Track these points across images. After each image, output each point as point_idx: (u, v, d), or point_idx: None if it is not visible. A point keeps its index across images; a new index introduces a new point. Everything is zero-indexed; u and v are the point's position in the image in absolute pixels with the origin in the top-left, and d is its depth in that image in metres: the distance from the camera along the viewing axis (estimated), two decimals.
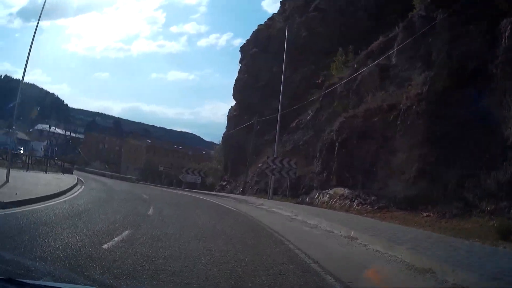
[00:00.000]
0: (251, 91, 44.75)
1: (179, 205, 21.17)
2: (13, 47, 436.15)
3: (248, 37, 53.06)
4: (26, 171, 34.07)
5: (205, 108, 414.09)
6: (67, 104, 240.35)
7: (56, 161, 51.41)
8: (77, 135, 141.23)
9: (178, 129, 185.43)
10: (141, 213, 15.21)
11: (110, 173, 58.61)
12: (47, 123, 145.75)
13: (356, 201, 20.84)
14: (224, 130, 50.49)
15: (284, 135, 34.80)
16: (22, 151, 74.95)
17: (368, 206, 20.06)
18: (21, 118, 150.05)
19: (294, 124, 34.55)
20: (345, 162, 23.07)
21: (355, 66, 28.70)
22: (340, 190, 22.49)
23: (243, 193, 37.42)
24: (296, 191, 28.56)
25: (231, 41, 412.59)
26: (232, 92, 47.83)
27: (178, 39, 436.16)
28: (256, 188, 36.23)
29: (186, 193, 37.35)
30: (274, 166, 28.90)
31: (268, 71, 44.00)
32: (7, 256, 6.08)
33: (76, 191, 21.69)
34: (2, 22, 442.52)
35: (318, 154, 26.73)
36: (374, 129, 21.83)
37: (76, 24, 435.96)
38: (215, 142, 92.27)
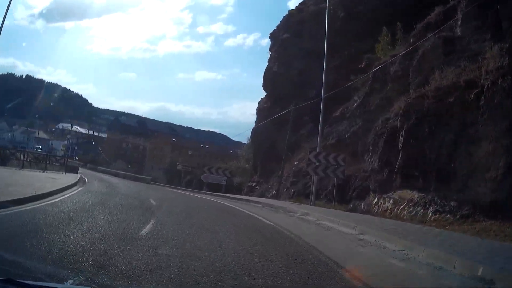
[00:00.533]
0: (282, 80, 39.85)
1: (192, 216, 15.11)
2: (36, 47, 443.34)
3: (278, 23, 48.11)
4: (21, 169, 30.23)
5: (233, 108, 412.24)
6: (91, 104, 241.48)
7: (70, 160, 48.42)
8: (100, 134, 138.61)
9: (206, 129, 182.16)
10: (131, 231, 10.06)
11: (124, 172, 53.06)
12: (69, 123, 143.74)
13: (431, 208, 15.66)
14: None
15: (326, 127, 29.53)
16: (40, 150, 72.46)
17: (448, 215, 14.98)
18: (36, 117, 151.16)
19: (338, 113, 28.89)
20: (413, 156, 17.72)
21: (412, 40, 23.63)
22: (408, 194, 17.07)
23: (276, 196, 31.85)
24: (343, 195, 23.22)
25: (258, 41, 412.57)
26: (261, 83, 43.24)
27: (205, 39, 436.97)
28: (292, 190, 30.42)
29: (207, 197, 31.54)
30: (318, 164, 23.30)
31: (301, 58, 39.20)
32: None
33: (64, 195, 16.88)
34: (23, 23, 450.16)
35: (370, 147, 21.65)
36: (450, 112, 16.67)
37: (100, 25, 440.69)
38: (243, 142, 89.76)
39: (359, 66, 30.43)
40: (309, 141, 32.72)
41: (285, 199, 28.58)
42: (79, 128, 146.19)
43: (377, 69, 25.52)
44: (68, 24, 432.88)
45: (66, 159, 38.81)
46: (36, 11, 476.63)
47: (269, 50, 46.25)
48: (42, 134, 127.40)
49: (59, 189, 17.28)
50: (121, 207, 14.65)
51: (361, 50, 32.77)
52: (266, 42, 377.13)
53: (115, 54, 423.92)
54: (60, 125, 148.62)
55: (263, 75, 43.44)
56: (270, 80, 42.13)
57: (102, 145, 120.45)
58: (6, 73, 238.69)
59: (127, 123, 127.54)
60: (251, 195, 35.58)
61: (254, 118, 46.18)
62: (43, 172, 31.16)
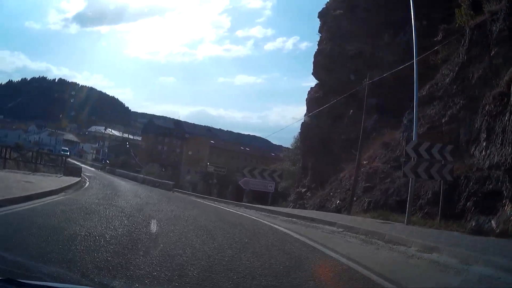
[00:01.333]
0: (337, 64, 33.15)
1: None
2: (71, 52, 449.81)
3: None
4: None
5: (273, 112, 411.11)
6: (128, 107, 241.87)
7: (97, 163, 43.61)
8: (135, 137, 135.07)
9: (246, 133, 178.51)
10: None
11: (143, 176, 47.72)
12: (103, 126, 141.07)
13: None
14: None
15: (407, 112, 22.30)
16: (67, 153, 68.74)
17: None
18: (67, 120, 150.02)
19: (424, 92, 21.50)
20: None
21: None
22: None
23: (345, 208, 22.61)
24: (450, 206, 15.20)
25: (297, 44, 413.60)
26: (312, 69, 36.29)
27: (244, 43, 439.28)
28: (366, 200, 21.48)
29: (252, 214, 20.50)
30: (417, 160, 15.32)
31: (359, 36, 32.61)
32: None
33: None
34: (57, 27, 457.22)
35: (483, 134, 14.86)
36: None
37: (137, 29, 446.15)
38: (284, 145, 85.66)
39: (434, 39, 23.60)
40: (382, 133, 25.90)
41: (359, 213, 20.54)
42: (113, 131, 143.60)
43: (472, 30, 18.61)
44: (104, 29, 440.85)
45: (65, 159, 33.10)
46: (69, 15, 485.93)
47: (319, 32, 39.62)
48: (71, 137, 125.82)
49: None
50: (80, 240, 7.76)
51: (434, 20, 25.97)
52: (305, 45, 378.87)
53: (153, 58, 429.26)
54: (93, 128, 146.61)
55: (312, 60, 36.82)
56: (321, 65, 35.25)
57: (136, 148, 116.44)
58: (38, 76, 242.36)
59: (162, 125, 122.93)
60: (302, 204, 28.75)
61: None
62: (32, 174, 25.72)
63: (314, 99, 33.92)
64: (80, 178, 26.71)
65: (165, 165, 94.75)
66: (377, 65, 27.76)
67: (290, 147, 53.53)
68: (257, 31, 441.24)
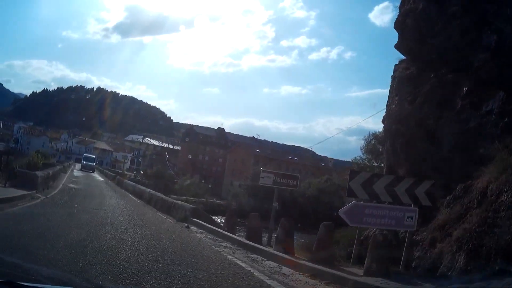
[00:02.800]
0: (436, 26, 23.39)
1: None
2: (112, 62, 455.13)
3: None
4: None
5: (318, 123, 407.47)
6: (170, 118, 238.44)
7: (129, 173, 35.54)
8: (175, 147, 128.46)
9: (291, 144, 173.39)
10: None
11: (150, 192, 29.22)
12: (142, 135, 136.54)
13: None
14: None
15: None
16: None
17: None
18: (101, 129, 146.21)
19: None
20: None
21: None
22: None
23: None
24: None
25: (342, 54, 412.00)
26: (397, 40, 26.63)
27: (289, 53, 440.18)
28: None
29: None
30: None
31: None
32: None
33: None
34: (97, 37, 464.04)
35: None
36: None
37: (181, 39, 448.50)
38: (328, 156, 79.80)
39: None
40: None
41: None
42: (151, 140, 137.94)
43: None
44: (146, 39, 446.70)
45: (13, 166, 24.19)
46: (110, 25, 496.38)
47: None
48: (103, 145, 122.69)
49: None
50: None
51: None
52: (349, 55, 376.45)
53: (198, 69, 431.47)
54: (130, 137, 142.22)
55: (394, 25, 27.07)
56: (410, 31, 25.22)
57: (175, 158, 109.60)
58: (75, 85, 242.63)
59: (204, 133, 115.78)
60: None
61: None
62: None
63: (404, 79, 23.82)
64: (29, 192, 19.63)
65: (206, 176, 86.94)
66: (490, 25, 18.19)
67: (361, 154, 42.77)
68: (301, 41, 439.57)
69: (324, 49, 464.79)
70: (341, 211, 12.47)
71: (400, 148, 22.72)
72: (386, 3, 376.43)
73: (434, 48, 23.10)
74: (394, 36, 25.19)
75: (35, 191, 19.94)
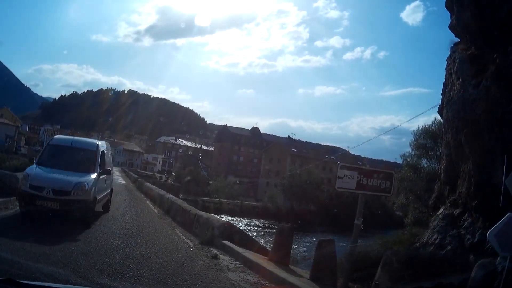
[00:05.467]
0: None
1: None
2: (145, 65, 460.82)
3: None
4: None
5: (352, 122, 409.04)
6: (204, 119, 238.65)
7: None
8: (209, 148, 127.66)
9: (325, 143, 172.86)
10: None
11: (170, 199, 22.47)
12: (174, 136, 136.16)
13: None
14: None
15: None
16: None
17: None
18: (133, 130, 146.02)
19: None
20: None
21: None
22: None
23: None
24: None
25: (375, 54, 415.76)
26: (450, 19, 24.08)
27: (323, 54, 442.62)
28: None
29: None
30: None
31: None
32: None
33: None
34: (128, 41, 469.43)
35: None
36: None
37: (215, 41, 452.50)
38: (362, 155, 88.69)
39: None
40: None
41: None
42: (184, 141, 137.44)
43: None
44: (180, 41, 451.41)
45: None
46: (141, 28, 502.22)
47: None
48: (133, 147, 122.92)
49: None
50: None
51: None
52: (383, 54, 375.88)
53: (232, 71, 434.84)
54: (162, 139, 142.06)
55: (445, 4, 24.60)
56: (470, 6, 22.54)
57: (209, 159, 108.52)
58: (106, 88, 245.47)
59: (238, 133, 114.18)
60: (460, 238, 15.81)
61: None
62: None
63: (465, 61, 21.15)
64: (3, 199, 15.30)
65: (240, 177, 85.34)
66: None
67: (410, 150, 39.73)
68: (335, 41, 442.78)
69: (358, 49, 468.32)
70: (490, 233, 6.88)
71: (464, 139, 19.84)
72: (417, 2, 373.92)
73: (495, 23, 20.32)
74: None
75: (14, 197, 14.68)
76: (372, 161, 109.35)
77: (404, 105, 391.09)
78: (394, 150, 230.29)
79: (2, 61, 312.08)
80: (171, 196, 24.54)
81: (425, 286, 9.63)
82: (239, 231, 15.13)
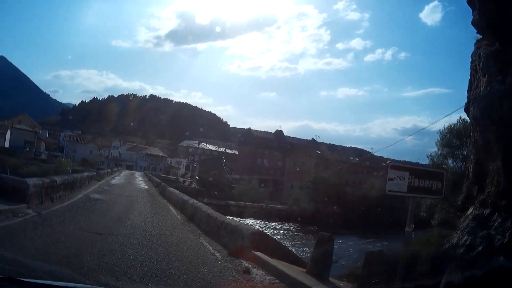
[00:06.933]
0: None
1: None
2: (165, 70, 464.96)
3: None
4: None
5: (375, 124, 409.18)
6: (227, 123, 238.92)
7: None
8: (233, 151, 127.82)
9: (348, 145, 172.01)
10: None
11: (194, 205, 20.76)
12: (197, 141, 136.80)
13: None
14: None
15: None
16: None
17: None
18: (155, 135, 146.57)
19: None
20: None
21: None
22: None
23: None
24: None
25: (396, 55, 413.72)
26: (473, 14, 23.33)
27: (345, 56, 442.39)
28: None
29: None
30: None
31: None
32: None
33: None
34: (149, 46, 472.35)
35: None
36: None
37: (236, 45, 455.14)
38: (384, 157, 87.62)
39: None
40: None
41: None
42: (207, 145, 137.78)
43: None
44: (200, 46, 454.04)
45: None
46: (162, 33, 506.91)
47: None
48: (156, 151, 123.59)
49: None
50: None
51: None
52: (403, 56, 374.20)
53: (254, 74, 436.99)
54: (185, 143, 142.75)
55: (467, 0, 24.12)
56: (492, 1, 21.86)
57: (233, 163, 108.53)
58: (127, 94, 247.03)
59: (262, 136, 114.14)
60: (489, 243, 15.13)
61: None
62: None
63: (490, 56, 20.57)
64: (10, 207, 14.02)
65: (264, 180, 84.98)
66: None
67: (436, 150, 39.51)
68: (356, 43, 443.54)
69: (379, 51, 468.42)
70: None
71: (492, 137, 19.45)
72: (435, 2, 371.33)
73: None
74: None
75: (24, 204, 14.64)
76: (395, 162, 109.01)
77: (425, 106, 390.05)
78: (416, 150, 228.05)
79: (19, 68, 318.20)
80: (195, 201, 23.15)
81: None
82: (271, 239, 13.83)
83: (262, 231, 14.41)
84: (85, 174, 31.88)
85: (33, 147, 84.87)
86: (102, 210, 19.32)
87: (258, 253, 11.19)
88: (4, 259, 5.94)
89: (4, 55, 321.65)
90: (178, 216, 21.50)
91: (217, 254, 12.11)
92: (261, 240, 12.15)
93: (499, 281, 8.73)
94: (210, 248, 13.12)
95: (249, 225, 17.97)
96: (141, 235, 13.66)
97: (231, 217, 18.79)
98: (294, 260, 12.06)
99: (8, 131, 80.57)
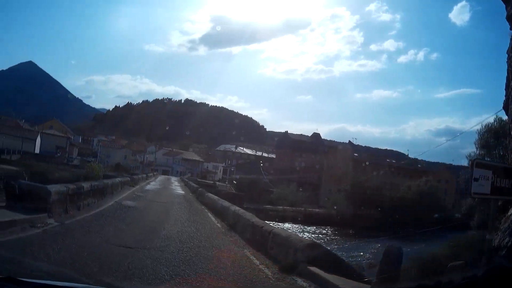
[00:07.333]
0: None
1: None
2: (200, 74, 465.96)
3: None
4: None
5: (409, 125, 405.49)
6: (263, 126, 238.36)
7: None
8: (270, 155, 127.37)
9: (383, 148, 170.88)
10: None
11: (234, 211, 19.88)
12: (234, 145, 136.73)
13: None
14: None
15: None
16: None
17: None
18: (189, 139, 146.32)
19: None
20: None
21: None
22: None
23: None
24: None
25: (428, 56, 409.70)
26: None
27: (378, 58, 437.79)
28: None
29: None
30: None
31: None
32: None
33: None
34: (183, 50, 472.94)
35: None
36: None
37: (271, 48, 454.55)
38: (418, 158, 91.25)
39: None
40: None
41: None
42: (244, 149, 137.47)
43: None
44: (235, 49, 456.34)
45: None
46: (196, 36, 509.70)
47: None
48: (192, 156, 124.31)
49: None
50: None
51: None
52: (435, 56, 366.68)
53: (290, 77, 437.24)
54: (222, 147, 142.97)
55: None
56: None
57: (270, 166, 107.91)
58: (162, 98, 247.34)
59: (299, 139, 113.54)
60: None
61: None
62: None
63: None
64: (30, 216, 12.51)
65: (302, 183, 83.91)
66: None
67: (475, 150, 38.73)
68: (389, 45, 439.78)
69: (411, 52, 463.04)
70: None
71: None
72: (463, 3, 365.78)
73: None
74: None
75: (45, 214, 13.38)
76: (428, 164, 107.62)
77: (457, 106, 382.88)
78: (448, 152, 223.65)
79: (51, 74, 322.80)
80: (236, 208, 21.35)
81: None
82: (327, 252, 11.84)
83: (316, 242, 13.12)
84: (117, 179, 30.78)
85: (65, 153, 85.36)
86: (134, 219, 18.36)
87: (314, 269, 9.72)
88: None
89: (33, 61, 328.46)
90: (218, 225, 20.06)
91: (267, 271, 10.66)
92: (315, 253, 10.63)
93: None
94: (258, 262, 11.62)
95: (297, 235, 16.24)
96: (177, 248, 12.20)
97: (268, 222, 17.75)
98: (350, 273, 10.51)
99: (39, 137, 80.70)
